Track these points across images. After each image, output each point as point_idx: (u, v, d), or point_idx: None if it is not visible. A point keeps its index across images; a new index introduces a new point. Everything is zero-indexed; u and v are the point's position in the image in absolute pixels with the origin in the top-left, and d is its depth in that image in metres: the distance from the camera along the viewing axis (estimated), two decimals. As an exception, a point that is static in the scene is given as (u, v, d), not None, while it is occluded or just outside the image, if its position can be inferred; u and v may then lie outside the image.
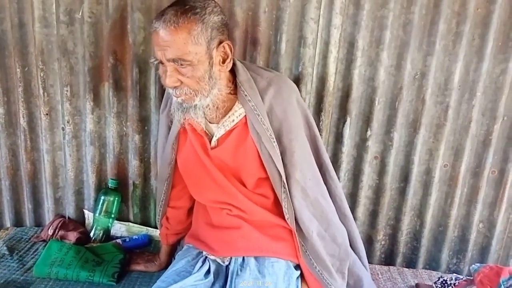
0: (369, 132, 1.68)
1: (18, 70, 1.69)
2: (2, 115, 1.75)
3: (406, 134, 1.69)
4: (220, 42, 1.20)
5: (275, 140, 1.29)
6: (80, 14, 1.61)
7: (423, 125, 1.66)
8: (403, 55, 1.60)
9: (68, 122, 1.73)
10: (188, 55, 1.15)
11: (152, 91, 1.68)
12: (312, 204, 1.35)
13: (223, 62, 1.23)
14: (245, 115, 1.29)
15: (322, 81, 1.65)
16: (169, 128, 1.42)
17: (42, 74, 1.69)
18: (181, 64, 1.16)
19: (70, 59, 1.67)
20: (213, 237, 1.40)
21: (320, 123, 1.67)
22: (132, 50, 1.63)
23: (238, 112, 1.30)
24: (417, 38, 1.58)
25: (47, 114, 1.73)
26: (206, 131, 1.34)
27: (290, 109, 1.33)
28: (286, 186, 1.31)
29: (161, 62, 1.19)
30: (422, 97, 1.63)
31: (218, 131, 1.32)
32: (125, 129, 1.73)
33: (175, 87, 1.20)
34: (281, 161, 1.30)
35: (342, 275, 1.39)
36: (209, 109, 1.26)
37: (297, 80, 1.63)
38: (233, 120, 1.31)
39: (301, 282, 1.38)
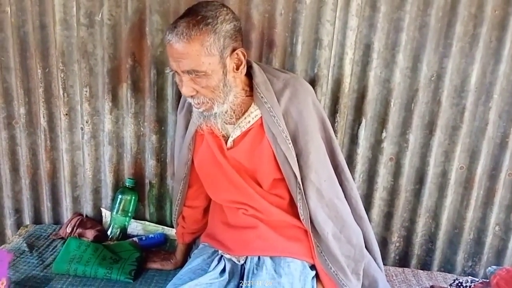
0: (384, 134, 1.69)
1: (39, 71, 1.73)
2: (24, 115, 1.79)
3: (421, 136, 1.69)
4: (234, 50, 1.21)
5: (290, 141, 1.30)
6: (100, 16, 1.64)
7: (439, 127, 1.66)
8: (419, 57, 1.60)
9: (87, 122, 1.76)
10: (201, 66, 1.16)
11: (169, 92, 1.70)
12: (327, 205, 1.36)
13: (237, 68, 1.24)
14: (261, 117, 1.31)
15: (337, 82, 1.65)
16: (186, 129, 1.44)
17: (62, 75, 1.72)
18: (196, 75, 1.18)
19: (90, 60, 1.70)
20: (229, 236, 1.42)
21: (336, 125, 1.68)
22: (150, 52, 1.66)
23: (254, 114, 1.32)
24: (433, 40, 1.58)
25: (66, 114, 1.77)
26: (223, 131, 1.36)
27: (306, 111, 1.33)
28: (302, 187, 1.32)
29: (176, 72, 1.21)
30: (438, 99, 1.63)
31: (234, 132, 1.34)
32: (142, 129, 1.76)
33: (192, 96, 1.22)
34: (297, 162, 1.31)
35: (357, 276, 1.40)
36: (228, 114, 1.28)
37: (313, 82, 1.64)
38: (249, 122, 1.33)
39: (316, 282, 1.39)
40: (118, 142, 1.79)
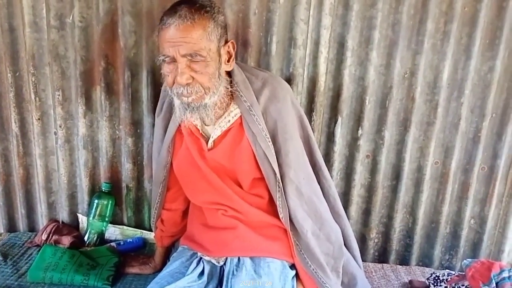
0: (360, 131, 1.70)
1: (9, 75, 1.69)
2: (-6, 120, 1.75)
3: (397, 133, 1.71)
4: (226, 41, 1.24)
5: (270, 140, 1.30)
6: (71, 18, 1.61)
7: (413, 123, 1.68)
8: (392, 54, 1.62)
9: (60, 126, 1.73)
10: (203, 50, 1.16)
11: (144, 94, 1.69)
12: (306, 203, 1.36)
13: (228, 61, 1.26)
14: (241, 116, 1.31)
15: (313, 81, 1.66)
16: (165, 131, 1.43)
17: (33, 79, 1.69)
18: (195, 60, 1.17)
19: (62, 63, 1.67)
20: (208, 238, 1.41)
21: (312, 123, 1.69)
22: (124, 54, 1.64)
23: (233, 113, 1.32)
24: (406, 37, 1.60)
25: (39, 119, 1.73)
26: (203, 133, 1.36)
27: (285, 110, 1.34)
28: (281, 186, 1.32)
29: (170, 61, 1.18)
30: (412, 96, 1.65)
31: (214, 132, 1.33)
32: (117, 132, 1.73)
33: (187, 84, 1.19)
34: (276, 160, 1.31)
35: (337, 273, 1.40)
36: (216, 108, 1.28)
37: (288, 81, 1.64)
38: (229, 121, 1.32)
39: (296, 281, 1.39)
40: (93, 146, 1.76)
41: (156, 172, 1.51)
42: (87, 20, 1.62)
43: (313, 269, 1.36)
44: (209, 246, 1.40)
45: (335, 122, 1.70)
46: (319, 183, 1.43)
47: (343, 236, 1.44)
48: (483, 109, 1.66)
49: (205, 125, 1.35)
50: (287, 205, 1.33)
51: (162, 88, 1.49)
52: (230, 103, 1.31)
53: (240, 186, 1.37)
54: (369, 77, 1.64)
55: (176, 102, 1.26)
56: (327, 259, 1.38)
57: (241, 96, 1.28)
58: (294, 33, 1.61)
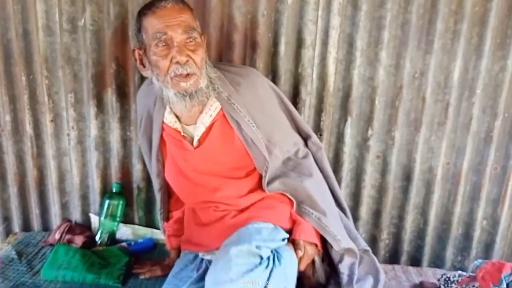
0: (370, 132, 1.69)
1: (23, 78, 1.73)
2: (9, 122, 1.79)
3: (407, 133, 1.70)
4: (201, 33, 1.30)
5: (254, 124, 1.34)
6: (83, 22, 1.64)
7: (424, 124, 1.67)
8: (402, 54, 1.61)
9: (72, 128, 1.76)
10: (196, 30, 1.25)
11: (155, 96, 1.70)
12: (295, 168, 1.41)
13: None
14: (221, 108, 1.33)
15: (322, 81, 1.66)
16: (150, 144, 1.47)
17: (46, 82, 1.72)
18: (190, 40, 1.23)
19: (74, 66, 1.70)
20: (204, 235, 1.42)
21: (321, 124, 1.69)
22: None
23: (213, 107, 1.34)
24: (416, 37, 1.59)
25: (52, 120, 1.76)
26: (185, 134, 1.38)
27: (263, 94, 1.40)
28: (268, 166, 1.35)
29: (165, 43, 1.22)
30: (422, 96, 1.64)
31: (198, 130, 1.36)
32: (128, 133, 1.76)
33: (186, 62, 1.23)
34: (263, 143, 1.35)
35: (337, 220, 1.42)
36: (205, 93, 1.30)
37: (297, 81, 1.65)
38: (210, 115, 1.35)
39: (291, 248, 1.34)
40: (105, 147, 1.78)
41: (153, 182, 1.56)
42: (98, 23, 1.64)
43: (315, 216, 1.34)
44: (207, 242, 1.40)
45: (345, 123, 1.70)
46: (307, 147, 1.50)
47: (333, 195, 1.49)
48: (494, 109, 1.64)
49: (185, 125, 1.37)
50: (277, 176, 1.37)
51: (137, 104, 1.55)
52: (208, 99, 1.33)
53: (230, 178, 1.38)
54: (379, 77, 1.63)
55: (171, 93, 1.27)
56: (326, 205, 1.39)
57: (218, 87, 1.32)
58: (302, 34, 1.61)
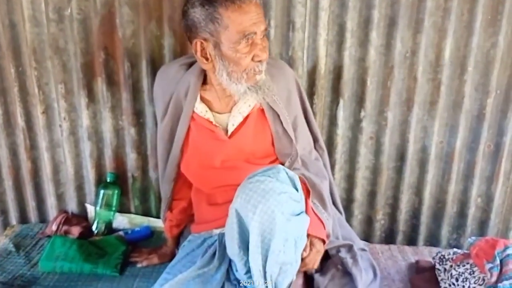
0: (363, 113, 1.69)
1: (12, 70, 1.71)
2: (1, 115, 1.78)
3: (400, 113, 1.69)
4: None
5: (289, 116, 1.38)
6: (69, 11, 1.62)
7: (416, 103, 1.66)
8: (392, 34, 1.59)
9: (64, 119, 1.75)
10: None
11: (145, 84, 1.69)
12: (310, 167, 1.44)
13: None
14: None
15: (313, 64, 1.65)
16: (171, 134, 1.44)
17: (36, 73, 1.70)
18: (263, 37, 1.25)
19: (62, 56, 1.68)
20: (219, 212, 1.39)
21: (314, 106, 1.68)
22: (122, 45, 1.64)
23: (253, 97, 1.32)
24: (406, 16, 1.57)
25: (43, 112, 1.75)
26: (216, 123, 1.37)
27: (292, 88, 1.43)
28: (293, 157, 1.40)
29: (250, 39, 1.21)
30: (414, 75, 1.63)
31: (235, 119, 1.36)
32: (120, 122, 1.75)
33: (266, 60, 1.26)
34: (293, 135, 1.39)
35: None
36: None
37: (288, 65, 1.62)
38: (249, 105, 1.36)
39: None
40: (98, 137, 1.78)
41: (167, 170, 1.51)
42: (85, 12, 1.62)
43: (325, 216, 1.35)
44: (222, 218, 1.35)
45: (337, 105, 1.69)
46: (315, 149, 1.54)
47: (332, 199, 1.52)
48: (487, 86, 1.63)
49: (219, 114, 1.37)
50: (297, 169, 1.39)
51: (158, 90, 1.48)
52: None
53: (255, 164, 1.38)
54: (370, 58, 1.62)
55: (243, 87, 1.27)
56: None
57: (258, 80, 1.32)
58: (292, 17, 1.59)
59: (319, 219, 1.32)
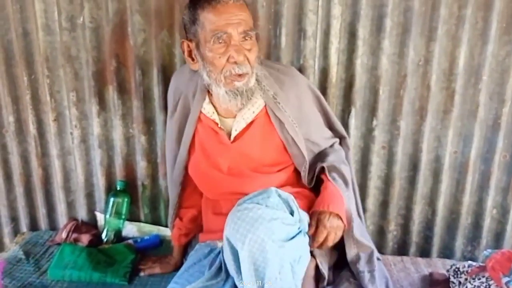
0: (375, 122, 1.67)
1: (25, 78, 1.73)
2: (13, 122, 1.79)
3: (412, 122, 1.67)
4: None
5: (297, 125, 1.36)
6: (81, 19, 1.63)
7: (429, 112, 1.64)
8: (405, 42, 1.57)
9: (75, 126, 1.76)
10: (253, 30, 1.26)
11: (156, 92, 1.69)
12: (331, 153, 1.45)
13: None
14: (265, 106, 1.34)
15: (324, 72, 1.64)
16: (180, 132, 1.44)
17: (48, 81, 1.72)
18: (247, 39, 1.23)
19: (74, 64, 1.69)
20: (224, 224, 1.38)
21: (325, 115, 1.67)
22: (134, 53, 1.65)
23: (258, 103, 1.34)
24: (419, 24, 1.55)
25: (55, 119, 1.76)
26: (221, 126, 1.37)
27: (303, 94, 1.42)
28: (307, 165, 1.39)
29: (222, 41, 1.21)
30: (427, 84, 1.61)
31: (238, 125, 1.35)
32: (131, 130, 1.75)
33: (241, 62, 1.23)
34: (304, 143, 1.37)
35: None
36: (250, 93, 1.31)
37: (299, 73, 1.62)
38: (253, 112, 1.35)
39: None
40: (108, 145, 1.78)
41: (175, 174, 1.50)
42: (97, 20, 1.63)
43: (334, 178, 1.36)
44: None
45: (349, 114, 1.67)
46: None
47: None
48: (502, 95, 1.60)
49: (224, 117, 1.37)
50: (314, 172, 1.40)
51: (171, 88, 1.50)
52: (252, 95, 1.32)
53: (261, 172, 1.38)
54: (382, 66, 1.60)
55: (222, 91, 1.27)
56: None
57: (264, 85, 1.32)
58: (303, 25, 1.59)
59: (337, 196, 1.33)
